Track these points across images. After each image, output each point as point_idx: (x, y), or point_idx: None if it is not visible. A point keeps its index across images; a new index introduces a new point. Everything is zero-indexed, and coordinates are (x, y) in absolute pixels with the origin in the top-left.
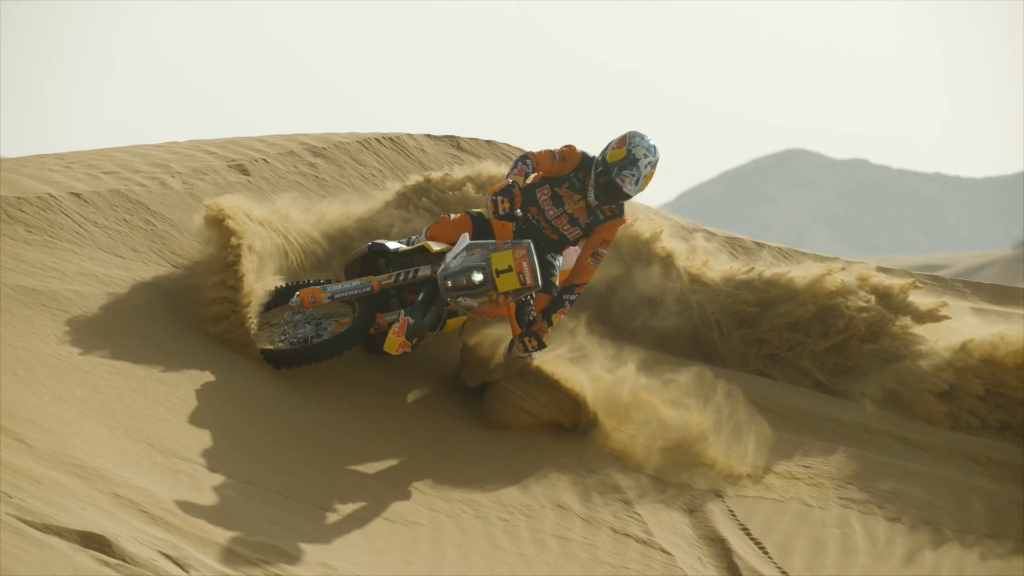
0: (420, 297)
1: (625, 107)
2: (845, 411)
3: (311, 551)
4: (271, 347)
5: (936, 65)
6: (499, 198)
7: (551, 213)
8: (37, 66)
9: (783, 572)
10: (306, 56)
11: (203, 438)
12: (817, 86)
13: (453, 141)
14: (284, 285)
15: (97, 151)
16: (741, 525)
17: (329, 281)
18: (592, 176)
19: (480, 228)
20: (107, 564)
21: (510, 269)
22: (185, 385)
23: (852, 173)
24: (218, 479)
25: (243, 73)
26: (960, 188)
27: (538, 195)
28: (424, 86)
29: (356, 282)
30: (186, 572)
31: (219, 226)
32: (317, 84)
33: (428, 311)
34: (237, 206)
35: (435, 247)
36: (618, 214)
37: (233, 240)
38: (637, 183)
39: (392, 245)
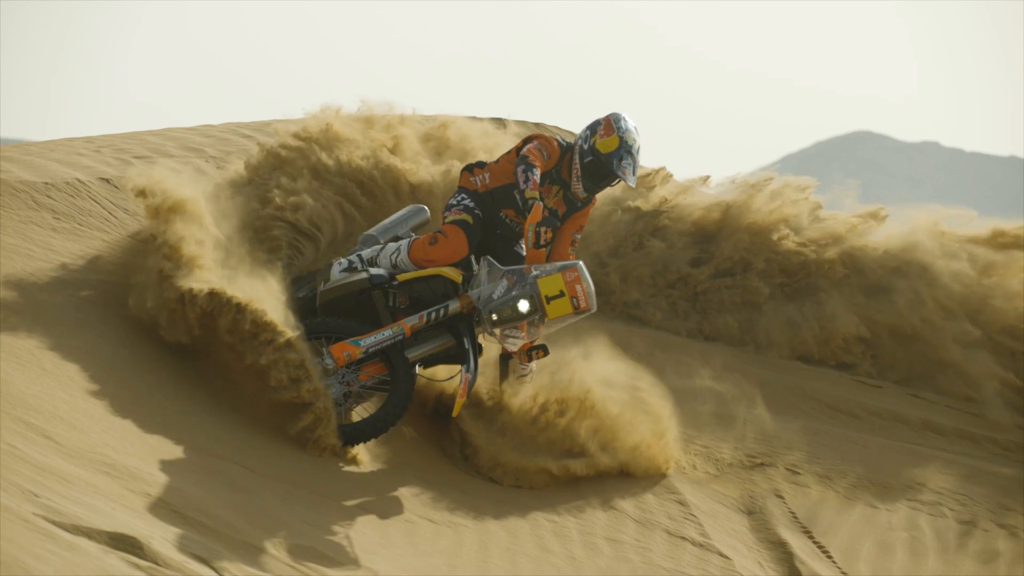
0: (462, 341)
1: (674, 83)
2: (902, 405)
3: (351, 554)
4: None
5: (1014, 38)
6: (543, 229)
7: None
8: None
9: None
10: (345, 36)
11: (240, 436)
12: (885, 63)
13: (499, 124)
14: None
15: (128, 135)
16: (803, 527)
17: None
18: (578, 166)
19: (474, 239)
20: (138, 567)
21: (562, 294)
22: (219, 381)
23: (923, 157)
24: (254, 478)
25: (281, 54)
26: None
27: (517, 198)
28: (475, 67)
29: (388, 331)
30: (219, 574)
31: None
32: (358, 65)
33: (475, 353)
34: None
35: (450, 273)
36: (591, 199)
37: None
38: (635, 173)
39: (380, 272)
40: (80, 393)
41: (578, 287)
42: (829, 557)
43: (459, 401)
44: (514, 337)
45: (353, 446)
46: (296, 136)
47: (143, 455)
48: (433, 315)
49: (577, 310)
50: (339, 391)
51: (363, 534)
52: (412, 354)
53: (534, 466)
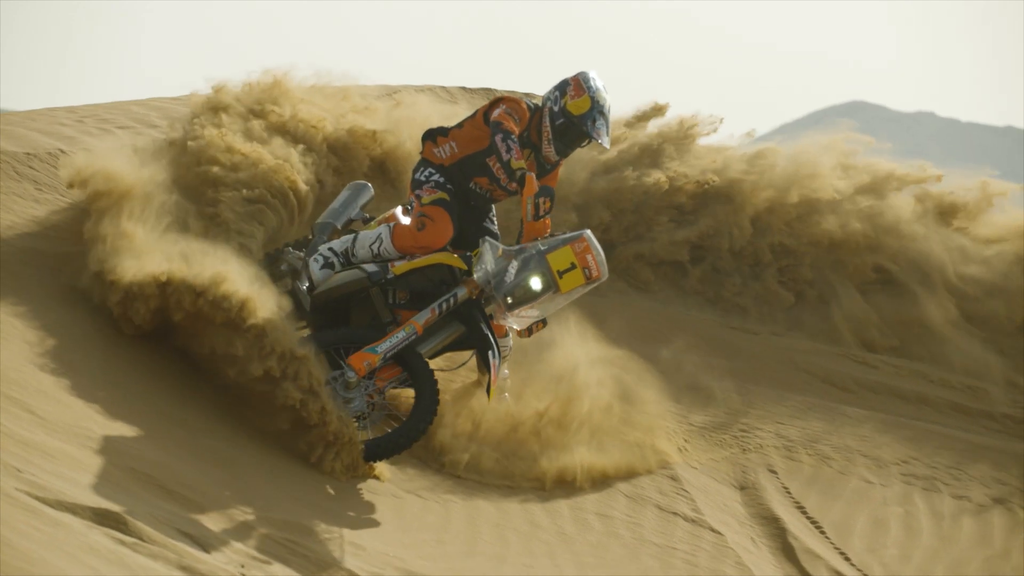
0: (479, 327)
1: (664, 48)
2: (896, 378)
3: (339, 529)
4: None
5: (1010, 8)
6: (541, 200)
7: (505, 179)
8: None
9: (841, 553)
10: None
11: (227, 413)
12: (877, 32)
13: (489, 93)
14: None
15: (112, 104)
16: (796, 503)
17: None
18: (549, 128)
19: (455, 216)
20: (123, 543)
21: (573, 267)
22: (208, 363)
23: (919, 127)
24: (241, 455)
25: (268, 19)
26: None
27: (490, 164)
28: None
29: (402, 332)
30: (206, 551)
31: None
32: (347, 31)
33: (494, 335)
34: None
35: (451, 259)
36: (560, 161)
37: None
38: (609, 133)
39: (371, 267)
40: (64, 368)
41: (588, 257)
42: (822, 533)
43: (493, 387)
44: (527, 316)
45: (378, 461)
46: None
47: (128, 430)
48: (444, 306)
49: (589, 280)
50: (362, 405)
51: (350, 509)
52: (425, 350)
53: (521, 473)
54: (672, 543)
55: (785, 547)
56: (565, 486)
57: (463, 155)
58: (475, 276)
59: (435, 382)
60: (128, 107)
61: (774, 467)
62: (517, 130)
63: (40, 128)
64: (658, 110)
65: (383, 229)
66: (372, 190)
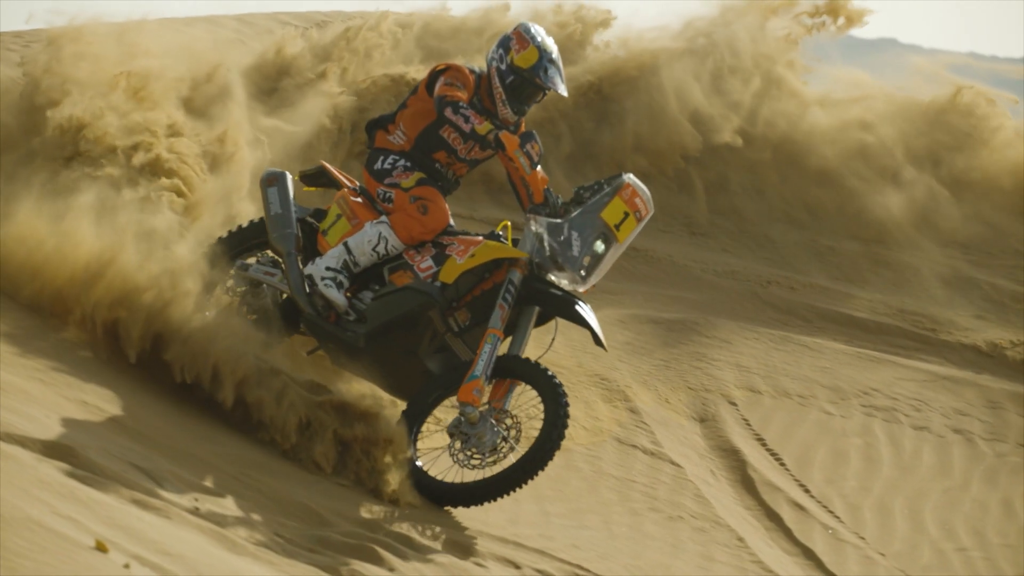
0: (550, 294)
1: None
2: (855, 308)
3: (291, 464)
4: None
5: None
6: (529, 147)
7: (463, 149)
8: None
9: (801, 485)
10: None
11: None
12: None
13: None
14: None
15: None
16: (756, 435)
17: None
18: (500, 89)
19: (440, 189)
20: (73, 476)
21: (626, 215)
22: None
23: (880, 54)
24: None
25: None
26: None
27: (445, 136)
28: None
29: (487, 346)
30: (159, 485)
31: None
32: None
33: (562, 293)
34: None
35: (509, 251)
36: (520, 121)
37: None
38: (564, 79)
39: (422, 284)
40: (11, 303)
41: (637, 200)
42: (782, 465)
43: (600, 335)
44: (596, 276)
45: (543, 468)
46: None
47: (80, 364)
48: (508, 298)
49: (640, 220)
50: (495, 431)
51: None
52: (518, 348)
53: None
54: (631, 476)
55: (745, 479)
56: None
57: (415, 134)
58: (532, 256)
59: (547, 372)
60: None
61: (734, 399)
62: (465, 97)
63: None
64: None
65: (380, 228)
66: (289, 175)
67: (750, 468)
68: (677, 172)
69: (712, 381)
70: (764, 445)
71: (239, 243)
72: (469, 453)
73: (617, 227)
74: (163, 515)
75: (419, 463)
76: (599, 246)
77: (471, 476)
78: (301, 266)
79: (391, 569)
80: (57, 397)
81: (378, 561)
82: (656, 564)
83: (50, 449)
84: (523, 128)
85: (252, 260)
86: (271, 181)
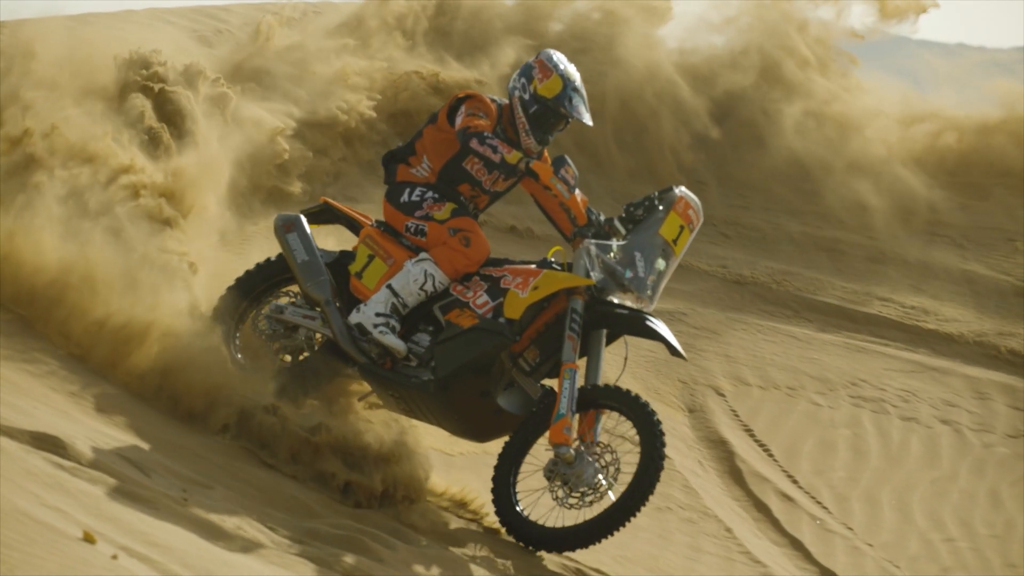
0: (616, 314)
1: None
2: (844, 299)
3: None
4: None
5: None
6: (564, 171)
7: (487, 180)
8: None
9: (789, 476)
10: None
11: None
12: None
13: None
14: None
15: (39, 20)
16: (744, 426)
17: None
18: (523, 119)
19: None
20: (62, 467)
21: (682, 229)
22: None
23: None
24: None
25: None
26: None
27: (469, 168)
28: None
29: (566, 382)
30: (148, 476)
31: None
32: None
33: (626, 311)
34: None
35: (574, 280)
36: (543, 150)
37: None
38: (587, 107)
39: (494, 323)
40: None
41: (690, 212)
42: (770, 455)
43: (676, 344)
44: (660, 291)
45: (646, 501)
46: None
47: (70, 360)
48: (577, 328)
49: (693, 231)
50: (593, 467)
51: None
52: (597, 377)
53: None
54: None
55: (733, 470)
56: None
57: (440, 166)
58: (595, 282)
59: (638, 399)
60: (62, 23)
61: (722, 390)
62: (489, 126)
63: None
64: None
65: (424, 266)
66: (304, 216)
67: (738, 459)
68: (666, 165)
69: (700, 372)
70: (752, 436)
71: (252, 287)
72: (567, 492)
73: (675, 241)
74: (151, 506)
75: (519, 508)
76: (660, 263)
77: (568, 515)
78: (341, 315)
79: (380, 560)
80: (45, 389)
81: (367, 552)
82: (644, 555)
83: (38, 440)
84: (546, 157)
85: (285, 300)
86: (288, 227)
